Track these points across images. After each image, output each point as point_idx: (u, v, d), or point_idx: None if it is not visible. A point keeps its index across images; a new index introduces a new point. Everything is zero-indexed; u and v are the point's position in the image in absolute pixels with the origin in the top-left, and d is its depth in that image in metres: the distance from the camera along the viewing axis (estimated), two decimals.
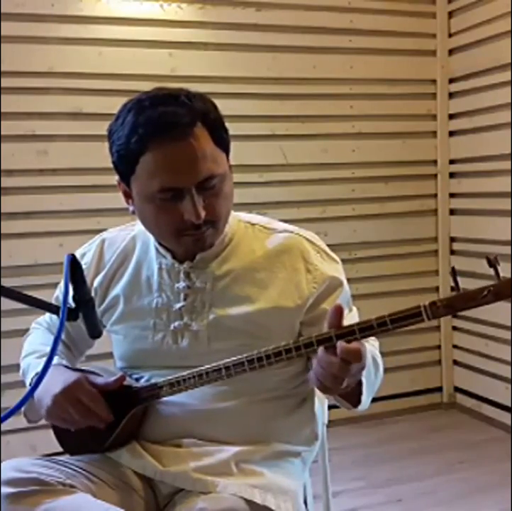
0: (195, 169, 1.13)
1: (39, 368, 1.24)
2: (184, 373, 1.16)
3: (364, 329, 1.00)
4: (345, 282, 1.28)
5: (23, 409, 1.27)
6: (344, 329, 1.02)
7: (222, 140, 1.18)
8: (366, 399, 1.15)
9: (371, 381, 1.17)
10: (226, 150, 1.20)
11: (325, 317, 1.21)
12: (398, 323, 0.98)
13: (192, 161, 1.12)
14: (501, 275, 0.95)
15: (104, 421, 1.19)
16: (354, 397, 1.14)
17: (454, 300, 0.97)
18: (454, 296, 0.98)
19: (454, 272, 0.99)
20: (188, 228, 1.17)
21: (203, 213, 1.14)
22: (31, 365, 1.30)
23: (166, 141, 1.11)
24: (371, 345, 1.23)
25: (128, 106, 1.16)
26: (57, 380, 1.18)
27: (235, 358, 1.11)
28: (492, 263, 0.95)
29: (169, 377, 1.18)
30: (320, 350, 1.01)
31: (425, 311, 0.98)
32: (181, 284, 1.26)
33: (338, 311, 1.01)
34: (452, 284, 0.99)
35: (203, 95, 1.19)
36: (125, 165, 1.16)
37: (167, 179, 1.13)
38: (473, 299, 0.96)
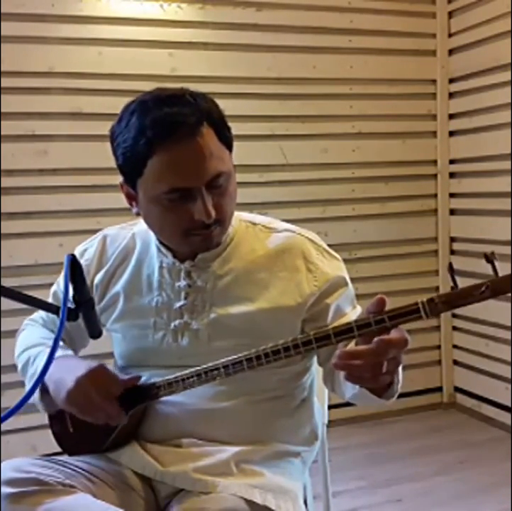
0: (204, 168, 1.13)
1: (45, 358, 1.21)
2: (183, 373, 1.16)
3: (362, 326, 0.99)
4: (349, 280, 1.28)
5: (38, 395, 1.24)
6: (343, 327, 1.02)
7: (226, 138, 1.18)
8: (396, 389, 1.08)
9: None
10: (230, 148, 1.20)
11: (328, 312, 1.22)
12: (396, 320, 0.98)
13: (201, 160, 1.12)
14: (499, 270, 0.95)
15: (118, 415, 1.17)
16: (384, 388, 1.07)
17: (452, 296, 0.97)
18: (452, 292, 0.97)
19: (451, 269, 0.99)
20: (198, 227, 1.17)
21: (213, 212, 1.14)
22: (41, 354, 1.26)
23: (174, 142, 1.11)
24: None
25: (130, 107, 1.16)
26: (78, 365, 1.17)
27: (233, 357, 1.10)
28: (490, 259, 0.95)
29: (168, 377, 1.18)
30: (354, 344, 0.99)
31: (423, 308, 0.97)
32: (182, 283, 1.26)
33: (381, 301, 0.98)
34: (451, 281, 0.99)
35: (205, 94, 1.19)
36: (132, 167, 1.16)
37: (176, 180, 1.12)
38: (470, 295, 0.96)
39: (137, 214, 1.23)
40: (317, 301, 1.23)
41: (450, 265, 0.99)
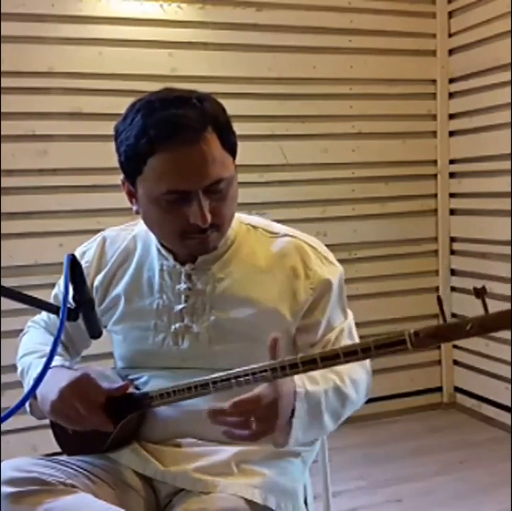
0: (203, 173, 1.13)
1: (40, 368, 1.24)
2: (175, 384, 1.14)
3: (348, 354, 1.01)
4: (337, 284, 1.27)
5: (29, 408, 1.26)
6: (329, 353, 1.03)
7: (230, 143, 1.18)
8: (302, 437, 1.12)
9: (332, 411, 1.17)
10: (233, 153, 1.20)
11: (318, 328, 1.24)
12: (382, 350, 0.98)
13: (201, 165, 1.12)
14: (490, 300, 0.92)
15: (103, 424, 1.17)
16: (281, 436, 1.11)
17: (438, 331, 0.96)
18: (439, 326, 0.95)
19: (439, 302, 0.97)
20: (194, 231, 1.17)
21: (209, 217, 1.14)
22: (32, 364, 1.29)
23: (176, 144, 1.11)
24: (348, 365, 1.20)
25: (136, 106, 1.15)
26: (62, 376, 1.17)
27: (222, 374, 1.09)
28: (480, 294, 0.92)
29: (160, 388, 1.17)
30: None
31: (409, 339, 0.97)
32: (182, 286, 1.26)
33: (273, 343, 1.04)
34: (440, 314, 0.97)
35: (213, 97, 1.18)
36: (132, 165, 1.16)
37: (174, 182, 1.12)
38: (458, 331, 0.94)
39: (137, 213, 1.23)
40: (309, 309, 1.24)
41: (439, 298, 0.98)
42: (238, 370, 1.07)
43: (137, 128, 1.13)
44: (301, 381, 1.11)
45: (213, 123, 1.13)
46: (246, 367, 1.07)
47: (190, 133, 1.11)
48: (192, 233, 1.17)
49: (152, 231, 1.25)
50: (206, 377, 1.10)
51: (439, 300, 0.98)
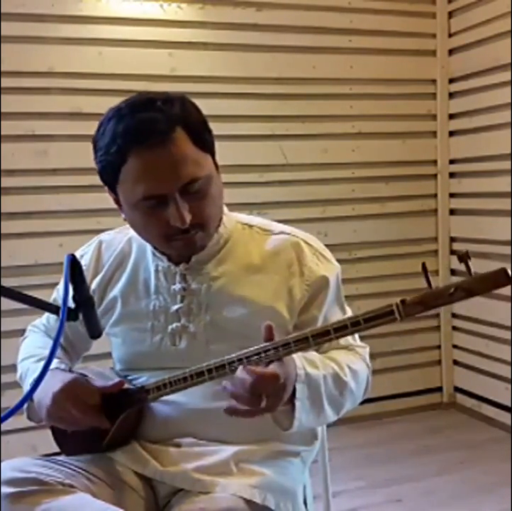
0: (176, 174, 1.12)
1: (37, 373, 1.24)
2: (170, 375, 1.15)
3: (339, 329, 1.02)
4: (334, 281, 1.27)
5: (26, 413, 1.27)
6: (320, 330, 1.03)
7: (204, 141, 1.17)
8: (305, 420, 1.13)
9: (332, 398, 1.17)
10: (211, 152, 1.19)
11: (314, 324, 1.23)
12: (372, 323, 1.00)
13: (172, 167, 1.12)
14: (473, 271, 0.94)
15: (103, 422, 1.18)
16: (286, 419, 1.12)
17: (424, 297, 0.98)
18: (424, 293, 0.98)
19: (424, 269, 0.98)
20: (176, 232, 1.16)
21: (188, 218, 1.14)
22: (30, 370, 1.29)
23: (144, 149, 1.11)
24: (347, 357, 1.23)
25: (109, 114, 1.16)
26: (56, 380, 1.18)
27: (216, 360, 1.09)
28: (463, 259, 0.94)
29: (156, 380, 1.17)
30: (239, 370, 1.04)
31: (397, 310, 0.98)
32: (177, 286, 1.26)
33: (268, 329, 1.05)
34: (425, 282, 0.98)
35: (184, 97, 1.18)
36: (108, 174, 1.17)
37: (149, 186, 1.12)
38: (442, 296, 0.96)
39: (125, 220, 1.24)
40: (305, 306, 1.24)
41: (423, 265, 0.99)
42: (231, 355, 1.08)
43: (107, 137, 1.13)
44: (301, 363, 1.12)
45: (181, 124, 1.13)
46: (239, 353, 1.07)
47: (157, 137, 1.10)
48: (175, 234, 1.17)
49: (140, 235, 1.25)
50: (200, 365, 1.11)
51: (424, 267, 0.98)
